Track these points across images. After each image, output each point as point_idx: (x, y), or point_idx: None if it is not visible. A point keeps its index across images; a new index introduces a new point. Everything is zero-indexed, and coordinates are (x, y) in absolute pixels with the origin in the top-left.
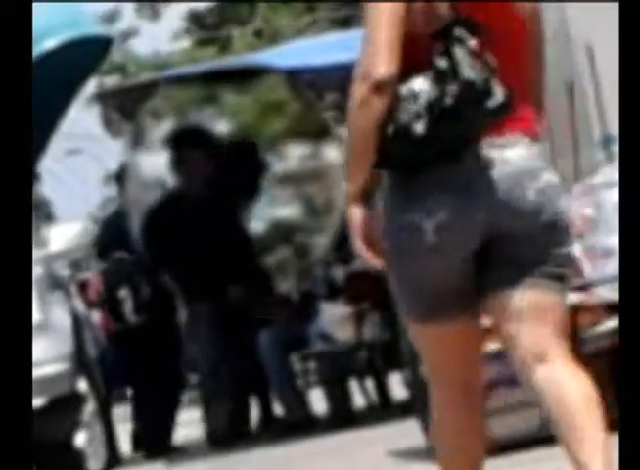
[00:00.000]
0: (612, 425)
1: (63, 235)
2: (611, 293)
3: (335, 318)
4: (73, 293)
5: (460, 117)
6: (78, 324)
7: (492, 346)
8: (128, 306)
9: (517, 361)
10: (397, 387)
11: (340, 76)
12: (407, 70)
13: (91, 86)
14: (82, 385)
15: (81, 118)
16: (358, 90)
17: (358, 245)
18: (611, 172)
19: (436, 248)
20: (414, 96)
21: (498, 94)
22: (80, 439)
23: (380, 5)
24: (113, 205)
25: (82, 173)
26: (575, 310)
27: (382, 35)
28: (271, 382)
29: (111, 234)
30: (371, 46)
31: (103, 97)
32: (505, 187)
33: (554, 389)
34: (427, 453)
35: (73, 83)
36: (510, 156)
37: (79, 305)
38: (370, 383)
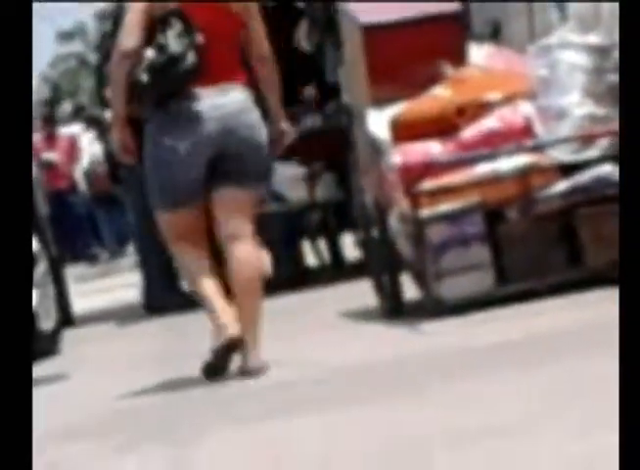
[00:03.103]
0: None
1: None
2: (564, 154)
3: (287, 178)
4: None
5: (165, 73)
6: None
7: (443, 207)
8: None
9: (220, 239)
10: (350, 247)
11: None
12: (148, 41)
13: None
14: (33, 245)
15: None
16: (114, 56)
17: (121, 153)
18: (564, 33)
19: (186, 159)
20: (145, 59)
21: (190, 60)
22: (32, 299)
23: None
24: (65, 63)
25: (33, 31)
26: (528, 171)
27: (132, 20)
28: None
29: None
30: (125, 26)
31: None
32: (226, 119)
33: (235, 263)
34: (379, 314)
35: None
36: (228, 98)
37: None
38: (323, 243)
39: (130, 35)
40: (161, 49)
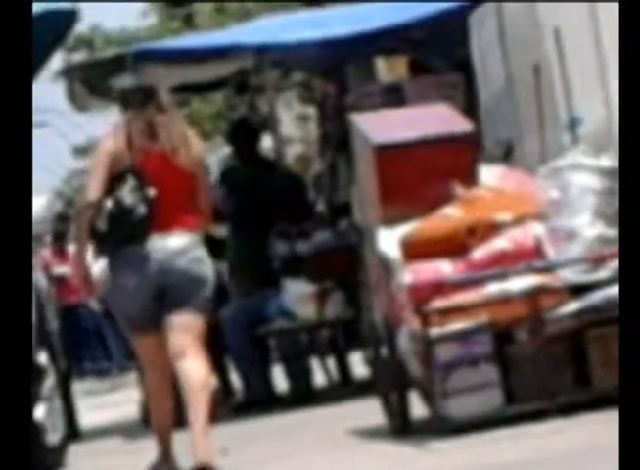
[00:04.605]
0: None
1: None
2: (574, 275)
3: (297, 295)
4: (35, 266)
5: (119, 223)
6: (39, 297)
7: (452, 326)
8: None
9: (170, 358)
10: (358, 366)
11: (307, 54)
12: (108, 191)
13: (58, 62)
14: (42, 358)
15: (48, 94)
16: (78, 204)
17: (84, 288)
18: (576, 155)
19: (133, 294)
20: (104, 209)
21: (140, 211)
22: (39, 412)
23: (98, 153)
24: (78, 179)
25: (48, 147)
26: (538, 292)
27: (96, 175)
28: (232, 358)
29: None
30: (89, 180)
31: (69, 71)
32: (165, 259)
33: (184, 379)
34: (387, 432)
35: (38, 57)
36: (170, 242)
37: (41, 278)
38: (331, 361)
39: (93, 189)
40: (118, 202)
